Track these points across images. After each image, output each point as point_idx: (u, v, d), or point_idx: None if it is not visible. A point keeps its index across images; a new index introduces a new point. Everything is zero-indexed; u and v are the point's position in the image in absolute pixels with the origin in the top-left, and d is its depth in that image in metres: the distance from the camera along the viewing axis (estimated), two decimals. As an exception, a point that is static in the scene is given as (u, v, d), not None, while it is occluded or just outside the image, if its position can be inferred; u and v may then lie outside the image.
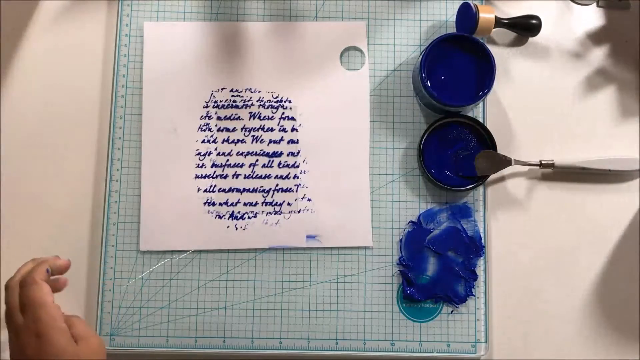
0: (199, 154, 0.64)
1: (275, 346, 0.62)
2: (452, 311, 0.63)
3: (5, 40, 0.66)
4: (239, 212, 0.64)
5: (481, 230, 0.64)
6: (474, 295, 0.63)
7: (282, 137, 0.65)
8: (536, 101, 0.67)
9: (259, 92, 0.66)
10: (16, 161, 0.64)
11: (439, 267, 0.63)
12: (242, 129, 0.65)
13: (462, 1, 0.66)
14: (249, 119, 0.65)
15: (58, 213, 0.64)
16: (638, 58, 0.68)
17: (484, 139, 0.64)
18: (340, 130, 0.65)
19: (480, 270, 0.63)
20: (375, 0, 0.68)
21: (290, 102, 0.65)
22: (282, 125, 0.65)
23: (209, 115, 0.65)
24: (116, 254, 0.63)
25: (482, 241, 0.64)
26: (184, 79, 0.65)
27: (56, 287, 0.53)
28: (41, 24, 0.67)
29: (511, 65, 0.68)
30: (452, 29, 0.67)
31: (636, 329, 0.64)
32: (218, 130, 0.65)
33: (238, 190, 0.64)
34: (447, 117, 0.65)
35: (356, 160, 0.65)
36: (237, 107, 0.65)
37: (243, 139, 0.65)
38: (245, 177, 0.64)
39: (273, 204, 0.64)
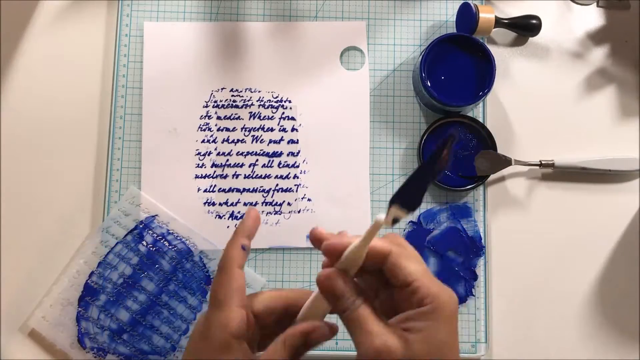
0: (199, 153, 0.64)
1: (275, 346, 0.62)
2: (452, 311, 0.63)
3: (5, 41, 0.66)
4: (239, 212, 0.64)
5: (481, 230, 0.64)
6: (474, 295, 0.63)
7: (282, 137, 0.65)
8: (536, 101, 0.67)
9: (259, 92, 0.66)
10: (16, 161, 0.64)
11: (439, 267, 0.63)
12: (242, 128, 0.65)
13: (462, 1, 0.66)
14: (249, 119, 0.65)
15: (58, 213, 0.64)
16: (638, 58, 0.68)
17: (484, 139, 0.64)
18: (340, 130, 0.65)
19: (480, 270, 0.63)
20: (375, 0, 0.68)
21: (290, 102, 0.65)
22: (282, 125, 0.65)
23: (208, 115, 0.65)
24: (116, 254, 0.63)
25: (482, 241, 0.64)
26: (184, 78, 0.65)
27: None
28: (41, 24, 0.67)
29: (511, 65, 0.68)
30: (452, 29, 0.67)
31: (636, 329, 0.64)
32: (218, 130, 0.65)
33: (238, 190, 0.64)
34: (447, 117, 0.65)
35: (356, 160, 0.65)
36: (237, 107, 0.65)
37: (243, 139, 0.65)
38: (245, 177, 0.64)
39: (273, 204, 0.64)
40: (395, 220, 0.37)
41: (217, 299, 0.40)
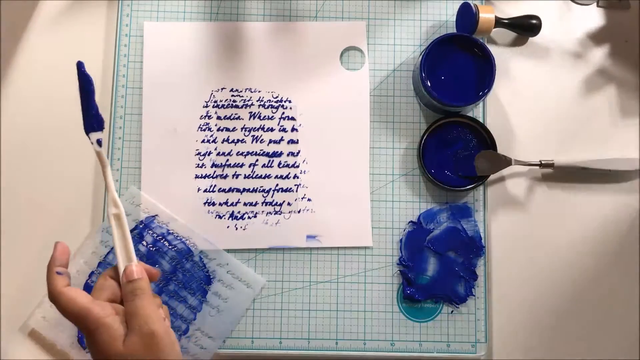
0: (199, 153, 0.64)
1: (275, 346, 0.62)
2: (452, 311, 0.63)
3: (5, 40, 0.66)
4: (239, 212, 0.64)
5: (481, 230, 0.64)
6: (474, 295, 0.63)
7: (282, 137, 0.65)
8: (536, 101, 0.67)
9: (259, 92, 0.66)
10: (16, 162, 0.64)
11: (439, 267, 0.63)
12: (242, 128, 0.65)
13: (462, 1, 0.66)
14: (249, 119, 0.65)
15: (58, 213, 0.64)
16: (638, 58, 0.68)
17: (484, 139, 0.64)
18: (340, 130, 0.65)
19: (480, 270, 0.63)
20: (375, 0, 0.68)
21: (290, 102, 0.65)
22: (282, 125, 0.65)
23: (208, 115, 0.65)
24: (116, 254, 0.63)
25: (482, 241, 0.64)
26: (183, 79, 0.65)
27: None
28: (41, 24, 0.67)
29: (511, 65, 0.68)
30: (452, 29, 0.67)
31: (636, 329, 0.64)
32: (218, 130, 0.65)
33: (238, 190, 0.64)
34: (447, 117, 0.65)
35: (356, 160, 0.65)
36: (237, 107, 0.65)
37: (243, 139, 0.65)
38: (245, 177, 0.64)
39: (273, 204, 0.64)
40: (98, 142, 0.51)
41: (79, 318, 0.45)
